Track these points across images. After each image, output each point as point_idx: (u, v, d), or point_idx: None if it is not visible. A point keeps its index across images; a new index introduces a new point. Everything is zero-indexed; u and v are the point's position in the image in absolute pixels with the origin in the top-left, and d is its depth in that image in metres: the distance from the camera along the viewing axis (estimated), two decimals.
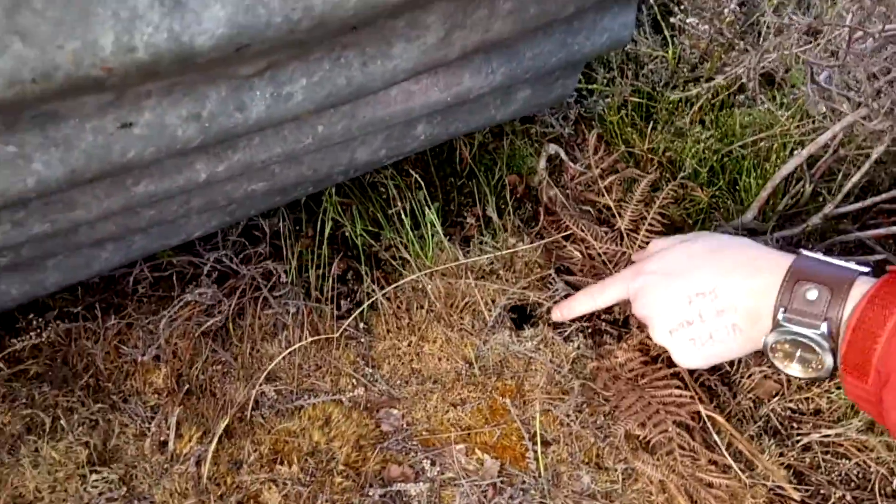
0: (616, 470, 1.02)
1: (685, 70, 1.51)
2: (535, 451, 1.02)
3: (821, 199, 1.31)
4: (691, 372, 1.08)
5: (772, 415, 1.09)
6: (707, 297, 0.88)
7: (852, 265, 0.81)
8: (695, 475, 0.98)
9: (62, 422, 0.95)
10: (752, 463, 1.03)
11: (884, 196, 1.21)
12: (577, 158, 1.39)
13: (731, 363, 1.10)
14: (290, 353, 1.10)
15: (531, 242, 1.24)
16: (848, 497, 1.02)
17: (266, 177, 0.92)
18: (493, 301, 1.16)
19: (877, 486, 1.04)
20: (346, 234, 1.26)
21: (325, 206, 1.25)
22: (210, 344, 1.09)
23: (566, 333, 1.14)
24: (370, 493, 0.96)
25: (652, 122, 1.45)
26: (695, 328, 0.90)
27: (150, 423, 0.99)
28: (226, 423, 0.99)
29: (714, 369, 1.10)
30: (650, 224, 1.19)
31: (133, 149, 0.65)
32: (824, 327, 0.78)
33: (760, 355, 0.99)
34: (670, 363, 1.04)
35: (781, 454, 1.05)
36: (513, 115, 1.19)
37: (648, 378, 1.06)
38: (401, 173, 1.33)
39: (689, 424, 1.02)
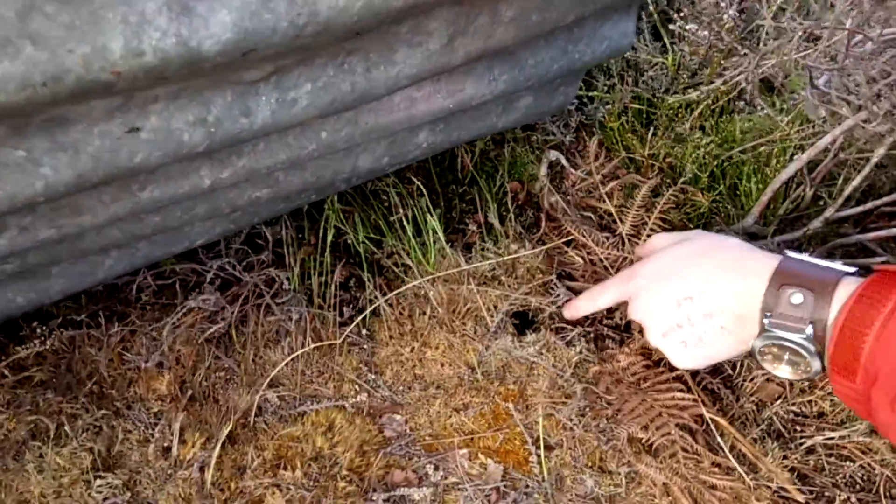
0: (619, 473, 1.02)
1: (685, 76, 1.51)
2: (539, 455, 1.02)
3: (822, 202, 1.31)
4: (694, 375, 1.08)
5: (775, 418, 1.09)
6: (695, 300, 0.89)
7: (837, 265, 0.81)
8: (698, 478, 0.98)
9: (66, 428, 0.95)
10: (755, 466, 1.03)
11: (885, 199, 1.21)
12: (578, 165, 1.40)
13: (733, 366, 1.11)
14: (292, 359, 1.10)
15: (533, 248, 1.24)
16: (853, 499, 1.02)
17: (270, 183, 0.92)
18: (496, 307, 1.17)
19: (881, 488, 1.04)
20: (349, 241, 1.27)
21: (328, 213, 1.25)
22: (213, 351, 1.10)
23: (568, 338, 1.14)
24: (374, 498, 0.96)
25: (652, 129, 1.45)
26: (685, 331, 0.91)
27: (153, 430, 0.99)
28: (229, 428, 0.99)
29: (716, 372, 1.10)
30: (651, 229, 1.19)
31: (140, 153, 0.66)
32: (809, 330, 0.79)
33: None
34: (672, 366, 1.04)
35: (785, 457, 1.05)
36: (514, 122, 1.19)
37: (651, 382, 1.06)
38: (403, 181, 1.33)
39: (692, 427, 1.02)
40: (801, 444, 1.07)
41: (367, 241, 1.26)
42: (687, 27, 1.43)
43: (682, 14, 1.48)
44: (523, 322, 1.18)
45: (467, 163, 1.38)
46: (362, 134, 0.89)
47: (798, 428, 1.09)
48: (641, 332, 1.08)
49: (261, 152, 0.81)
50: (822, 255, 1.23)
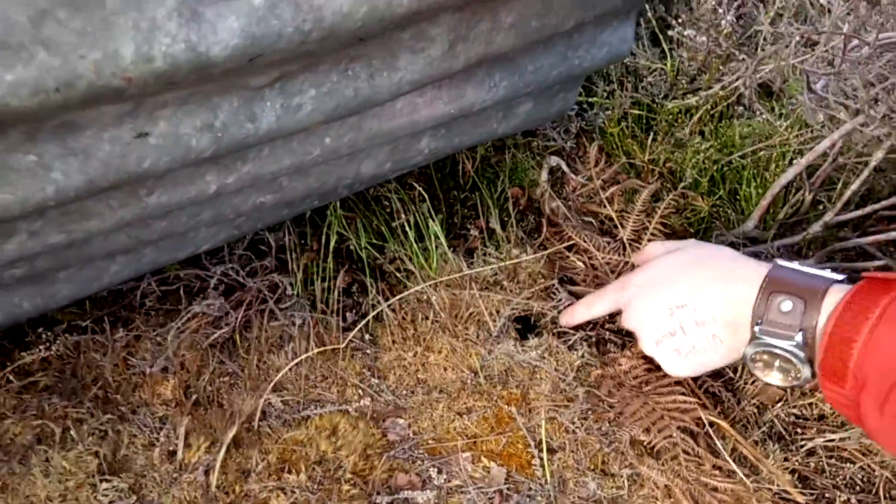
0: (622, 476, 1.02)
1: (684, 82, 1.53)
2: (541, 458, 1.03)
3: (821, 207, 1.33)
4: (695, 378, 1.09)
5: (776, 420, 1.09)
6: (687, 308, 0.91)
7: (827, 273, 0.83)
8: (700, 480, 0.99)
9: (72, 432, 0.96)
10: (756, 468, 1.03)
11: (883, 203, 1.23)
12: (578, 170, 1.41)
13: (735, 369, 1.11)
14: (296, 364, 1.11)
15: (534, 253, 1.25)
16: (853, 500, 1.03)
17: (274, 189, 0.93)
18: (498, 311, 1.18)
19: (881, 489, 1.04)
20: (351, 247, 1.28)
21: (330, 219, 1.26)
22: (217, 356, 1.10)
23: (570, 342, 1.15)
24: (378, 501, 0.97)
25: (652, 134, 1.46)
26: (678, 339, 0.93)
27: (158, 434, 1.00)
28: (233, 432, 1.00)
29: (718, 375, 1.11)
30: (652, 234, 1.20)
31: (149, 158, 0.67)
32: (799, 337, 0.80)
33: None
34: None
35: (786, 459, 1.05)
36: (515, 128, 1.20)
37: (652, 385, 1.06)
38: (404, 187, 1.34)
39: (694, 430, 1.03)
40: (802, 447, 1.08)
41: (369, 247, 1.27)
42: (685, 33, 1.45)
43: (680, 20, 1.49)
44: (525, 326, 1.19)
45: (468, 169, 1.39)
46: (366, 139, 0.90)
47: (799, 430, 1.10)
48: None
49: (266, 158, 0.82)
50: (821, 259, 1.24)
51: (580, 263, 1.24)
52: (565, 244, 1.26)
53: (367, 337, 1.17)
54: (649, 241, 1.19)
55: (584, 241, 1.24)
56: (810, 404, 1.11)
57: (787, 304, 0.81)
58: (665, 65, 1.54)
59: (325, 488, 0.97)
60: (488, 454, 1.05)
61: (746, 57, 1.30)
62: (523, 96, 1.10)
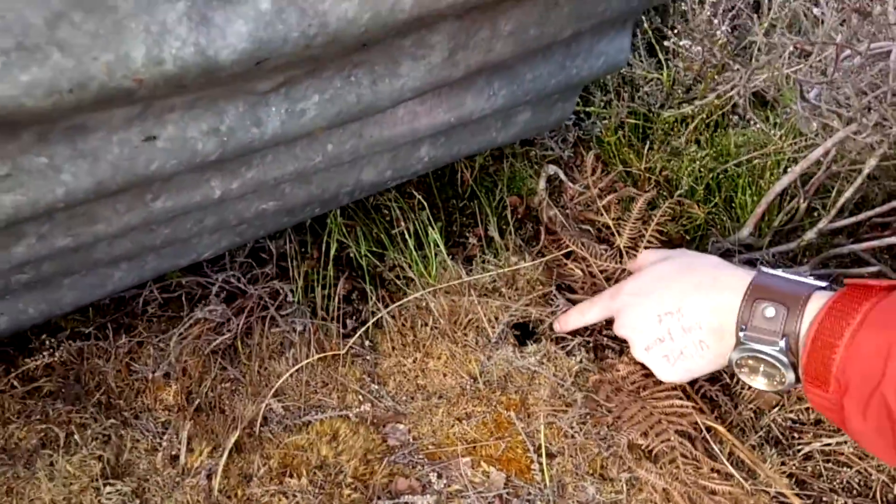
0: (620, 480, 1.03)
1: (680, 91, 1.54)
2: (541, 463, 1.04)
3: (816, 214, 1.34)
4: (692, 383, 1.10)
5: (773, 425, 1.10)
6: (674, 315, 0.94)
7: (809, 280, 0.86)
8: (698, 483, 0.99)
9: (76, 437, 0.97)
10: (754, 472, 1.04)
11: (877, 210, 1.24)
12: (575, 179, 1.42)
13: (731, 375, 1.12)
14: (297, 370, 1.12)
15: (532, 261, 1.26)
16: None
17: (277, 196, 0.94)
18: (497, 318, 1.19)
19: (878, 493, 1.05)
20: (351, 254, 1.29)
21: (331, 227, 1.27)
22: (219, 362, 1.11)
23: (569, 348, 1.16)
24: None
25: (648, 143, 1.48)
26: (666, 345, 0.96)
27: (161, 439, 1.01)
28: (235, 437, 1.01)
29: (715, 380, 1.12)
30: (648, 241, 1.22)
31: (156, 161, 0.68)
32: (783, 343, 0.82)
33: None
34: None
35: (783, 463, 1.06)
36: (513, 137, 1.22)
37: (650, 390, 1.07)
38: (404, 195, 1.36)
39: (691, 434, 1.04)
40: (799, 451, 1.09)
41: (369, 255, 1.28)
42: (681, 44, 1.47)
43: (675, 31, 1.51)
44: (524, 333, 1.20)
45: (467, 177, 1.41)
46: (367, 146, 0.92)
47: (796, 435, 1.11)
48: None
49: (269, 164, 0.84)
50: (816, 266, 1.25)
51: (578, 271, 1.25)
52: (563, 252, 1.28)
53: (367, 343, 1.18)
54: (646, 248, 1.21)
55: (582, 249, 1.25)
56: (807, 409, 1.12)
57: (770, 311, 0.84)
58: (661, 75, 1.56)
59: (326, 492, 0.98)
60: (488, 459, 1.05)
61: (741, 67, 1.32)
62: (522, 105, 1.11)
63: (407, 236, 1.26)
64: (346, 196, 1.10)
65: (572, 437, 1.07)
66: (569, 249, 1.27)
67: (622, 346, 1.16)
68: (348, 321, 1.21)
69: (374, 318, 1.18)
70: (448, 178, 1.42)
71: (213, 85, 0.64)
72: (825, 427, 1.11)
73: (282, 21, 0.58)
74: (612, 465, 1.04)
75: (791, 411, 1.12)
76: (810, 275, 0.90)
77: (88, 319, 1.14)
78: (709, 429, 1.05)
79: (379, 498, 0.99)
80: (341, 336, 1.18)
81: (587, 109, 1.54)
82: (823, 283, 0.85)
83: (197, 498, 0.94)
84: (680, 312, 0.94)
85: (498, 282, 1.24)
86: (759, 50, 1.36)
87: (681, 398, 1.06)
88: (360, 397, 1.11)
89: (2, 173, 0.62)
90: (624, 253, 1.23)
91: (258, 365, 1.13)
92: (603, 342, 1.17)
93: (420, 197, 1.33)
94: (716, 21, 1.40)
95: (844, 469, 1.07)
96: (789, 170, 1.22)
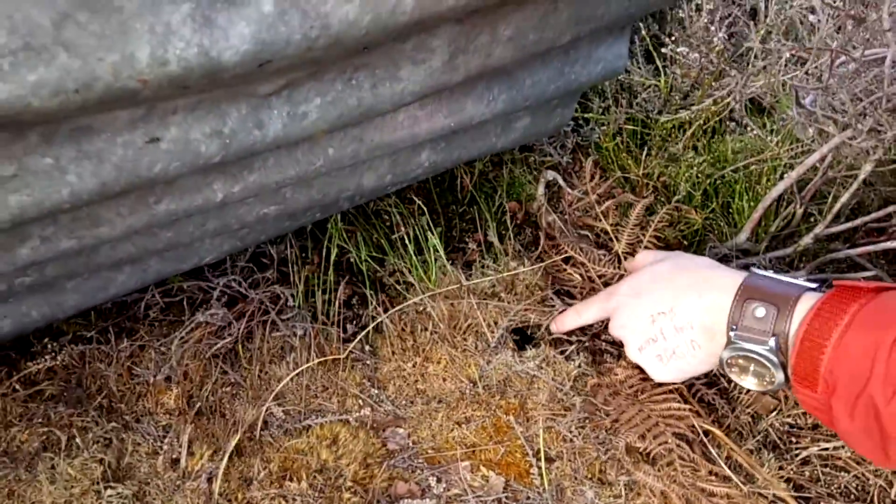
0: (619, 484, 1.03)
1: (677, 98, 1.55)
2: (539, 467, 1.04)
3: (812, 219, 1.35)
4: (689, 387, 1.10)
5: (770, 429, 1.11)
6: (667, 315, 0.96)
7: (799, 281, 0.87)
8: (696, 485, 1.00)
9: (77, 440, 0.97)
10: (751, 476, 1.05)
11: (873, 216, 1.25)
12: (574, 185, 1.43)
13: (729, 379, 1.13)
14: (297, 374, 1.12)
15: (531, 266, 1.27)
16: None
17: (278, 200, 0.95)
18: (496, 322, 1.19)
19: (875, 497, 1.05)
20: (352, 259, 1.30)
21: (331, 232, 1.28)
22: (220, 366, 1.12)
23: (567, 352, 1.16)
24: None
25: (646, 149, 1.49)
26: (659, 345, 0.98)
27: (162, 442, 1.01)
28: (236, 441, 1.01)
29: (712, 384, 1.12)
30: (646, 247, 1.22)
31: (160, 163, 0.69)
32: (772, 342, 0.83)
33: None
34: None
35: (781, 468, 1.07)
36: (513, 143, 1.23)
37: (647, 393, 1.08)
38: (404, 201, 1.37)
39: (689, 437, 1.04)
40: (797, 455, 1.09)
41: (369, 260, 1.28)
42: (678, 50, 1.48)
43: (673, 38, 1.53)
44: (523, 337, 1.21)
45: (467, 183, 1.42)
46: (367, 151, 0.93)
47: (793, 439, 1.11)
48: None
49: (271, 167, 0.84)
50: (812, 271, 1.26)
51: (576, 276, 1.26)
52: (562, 257, 1.28)
53: (367, 348, 1.19)
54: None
55: (580, 254, 1.26)
56: (804, 413, 1.13)
57: (760, 311, 0.85)
58: (659, 81, 1.57)
59: (326, 496, 0.98)
60: (487, 463, 1.06)
61: (738, 73, 1.33)
62: (521, 111, 1.12)
63: (407, 241, 1.27)
64: (347, 201, 1.11)
65: (571, 440, 1.07)
66: (567, 255, 1.27)
67: (620, 350, 1.17)
68: (348, 326, 1.22)
69: (374, 323, 1.19)
70: (448, 184, 1.43)
71: (216, 87, 0.64)
72: (823, 432, 1.12)
73: (284, 23, 0.59)
74: (611, 469, 1.05)
75: (789, 416, 1.12)
76: (805, 278, 0.91)
77: (90, 323, 1.14)
78: (706, 432, 1.06)
79: (378, 502, 1.00)
80: (341, 340, 1.18)
81: (586, 115, 1.55)
82: (814, 285, 0.86)
83: (197, 501, 0.95)
84: (672, 312, 0.95)
85: (497, 287, 1.24)
86: (755, 56, 1.37)
87: (678, 401, 1.06)
88: (360, 401, 1.12)
89: (8, 174, 0.63)
90: (622, 258, 1.24)
91: (259, 369, 1.13)
92: (601, 346, 1.18)
93: (420, 202, 1.34)
94: (713, 28, 1.41)
95: (842, 474, 1.08)
96: (786, 175, 1.23)
